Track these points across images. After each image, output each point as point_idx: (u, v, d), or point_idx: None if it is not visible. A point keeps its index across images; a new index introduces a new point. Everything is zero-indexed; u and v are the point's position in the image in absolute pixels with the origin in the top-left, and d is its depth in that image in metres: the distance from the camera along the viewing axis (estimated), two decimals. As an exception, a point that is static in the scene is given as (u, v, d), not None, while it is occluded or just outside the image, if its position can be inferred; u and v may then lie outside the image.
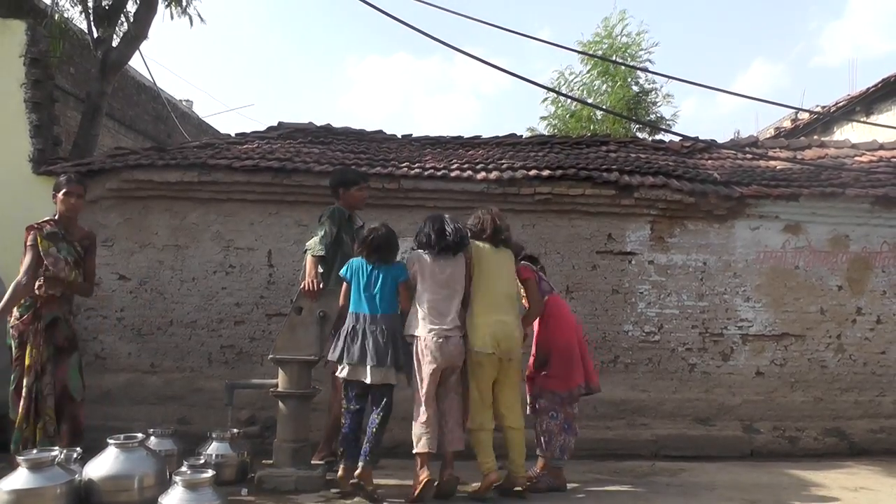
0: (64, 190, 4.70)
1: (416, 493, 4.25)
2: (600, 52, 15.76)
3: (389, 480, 4.76)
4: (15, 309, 4.46)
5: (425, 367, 4.39)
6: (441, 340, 4.38)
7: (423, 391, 4.40)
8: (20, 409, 4.40)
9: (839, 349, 6.47)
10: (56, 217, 4.69)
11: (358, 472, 4.26)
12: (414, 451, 4.36)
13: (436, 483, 4.31)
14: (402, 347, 4.43)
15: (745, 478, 5.20)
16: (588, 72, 16.33)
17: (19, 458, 3.71)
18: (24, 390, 4.41)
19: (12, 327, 4.46)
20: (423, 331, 4.40)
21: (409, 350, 4.46)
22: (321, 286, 4.78)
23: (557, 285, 6.30)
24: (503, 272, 4.67)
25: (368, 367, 4.35)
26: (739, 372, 6.39)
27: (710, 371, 6.38)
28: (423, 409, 4.39)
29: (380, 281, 4.50)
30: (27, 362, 4.44)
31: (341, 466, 4.39)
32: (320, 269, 4.89)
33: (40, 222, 4.64)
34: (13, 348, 4.45)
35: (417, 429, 4.37)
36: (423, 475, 4.26)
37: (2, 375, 4.66)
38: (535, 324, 4.91)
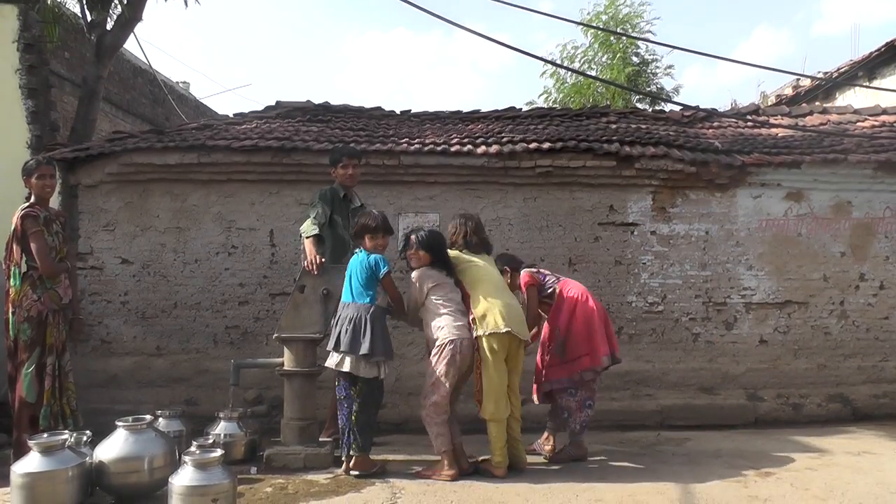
0: (37, 172, 4.67)
1: (437, 477, 4.32)
2: (601, 25, 15.66)
3: (398, 456, 4.81)
4: (31, 291, 4.49)
5: (453, 370, 4.37)
6: (469, 343, 4.41)
7: (446, 392, 4.38)
8: (46, 386, 4.49)
9: (842, 315, 6.48)
10: (34, 201, 4.67)
11: (343, 466, 4.40)
12: (440, 452, 4.36)
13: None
14: (367, 337, 4.28)
15: (750, 445, 5.23)
16: (590, 45, 16.24)
17: (31, 442, 3.74)
18: (47, 367, 4.50)
19: (28, 309, 4.47)
20: (456, 333, 4.38)
21: (388, 342, 4.41)
22: (323, 261, 4.78)
23: (560, 258, 6.33)
24: (491, 268, 4.69)
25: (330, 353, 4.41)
26: (743, 340, 6.41)
27: (713, 340, 6.40)
28: (443, 409, 4.39)
29: (352, 268, 4.52)
30: (49, 341, 4.53)
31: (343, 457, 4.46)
32: None
33: (33, 208, 4.60)
34: (26, 331, 4.47)
35: (437, 429, 4.37)
36: (452, 472, 4.31)
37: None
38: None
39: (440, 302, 4.47)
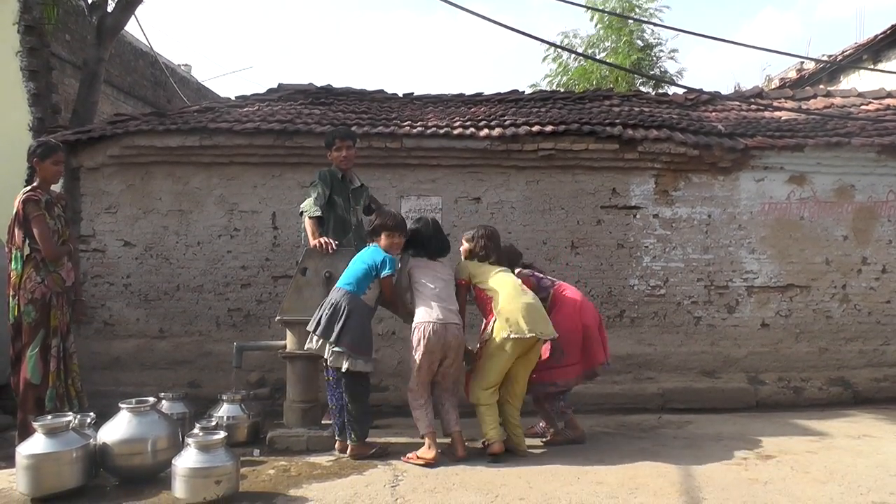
0: (54, 157, 4.64)
1: (412, 461, 4.31)
2: (608, 8, 15.53)
3: (400, 438, 4.83)
4: (34, 273, 4.49)
5: (424, 355, 4.34)
6: (441, 328, 4.33)
7: (419, 377, 4.39)
8: (51, 368, 4.51)
9: (844, 299, 6.48)
10: (38, 184, 4.64)
11: (337, 445, 4.47)
12: (421, 434, 4.38)
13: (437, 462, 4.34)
14: (339, 325, 4.24)
15: (751, 428, 5.24)
16: (595, 27, 16.10)
17: (36, 424, 3.76)
18: (52, 349, 4.52)
19: (32, 291, 4.48)
20: (425, 317, 4.36)
21: (362, 337, 4.32)
22: (335, 243, 4.78)
23: (562, 241, 6.34)
24: (508, 274, 4.66)
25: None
26: (745, 324, 6.42)
27: (715, 324, 6.41)
28: (419, 394, 4.41)
29: (359, 257, 4.52)
30: (53, 323, 4.54)
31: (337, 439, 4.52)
32: None
33: (34, 192, 4.58)
34: (31, 314, 4.48)
35: (416, 413, 4.42)
36: (430, 455, 4.28)
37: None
38: None
39: (418, 287, 4.48)
